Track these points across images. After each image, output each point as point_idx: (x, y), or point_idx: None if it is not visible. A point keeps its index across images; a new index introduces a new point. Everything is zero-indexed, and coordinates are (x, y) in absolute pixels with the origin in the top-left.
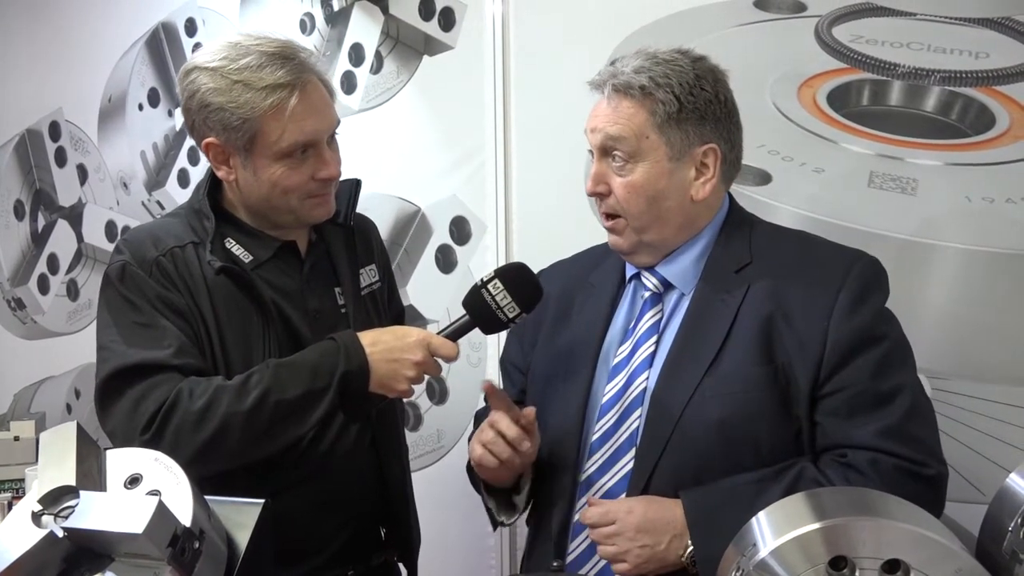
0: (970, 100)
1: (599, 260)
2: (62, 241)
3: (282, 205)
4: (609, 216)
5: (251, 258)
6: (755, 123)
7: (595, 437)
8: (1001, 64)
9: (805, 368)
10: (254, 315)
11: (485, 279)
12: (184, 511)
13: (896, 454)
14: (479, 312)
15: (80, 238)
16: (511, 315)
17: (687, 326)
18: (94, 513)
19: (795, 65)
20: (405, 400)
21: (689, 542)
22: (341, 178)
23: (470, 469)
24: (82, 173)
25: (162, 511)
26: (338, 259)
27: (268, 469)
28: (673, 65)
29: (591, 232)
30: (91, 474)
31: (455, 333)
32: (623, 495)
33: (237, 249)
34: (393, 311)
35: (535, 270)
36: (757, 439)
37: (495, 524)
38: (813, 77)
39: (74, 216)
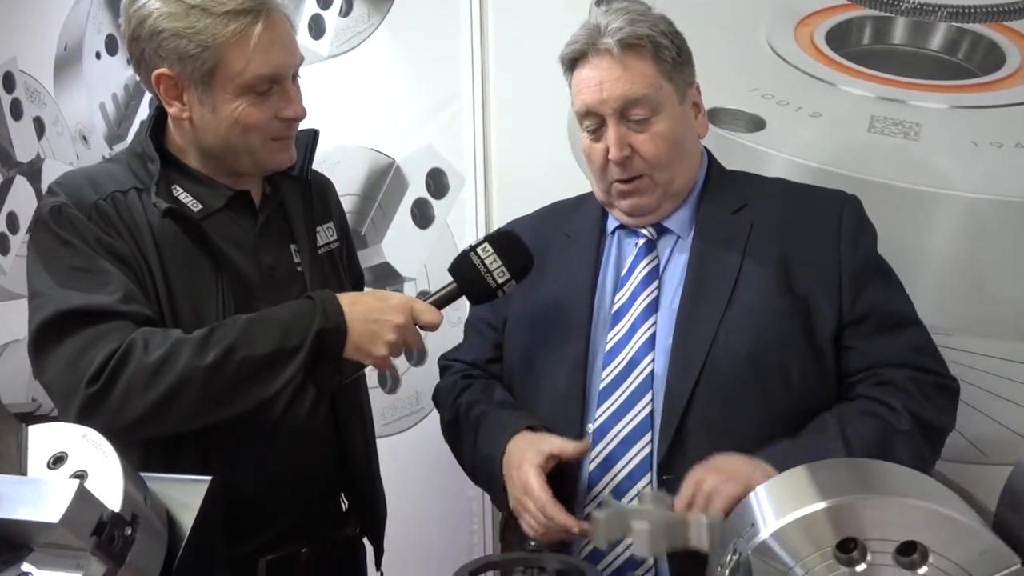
0: (978, 37)
1: (568, 214)
2: (21, 198)
3: (241, 146)
4: (631, 179)
5: (200, 207)
6: (748, 65)
7: (603, 385)
8: None
9: (827, 297)
10: (205, 266)
11: (473, 244)
12: (113, 494)
13: (930, 370)
14: (466, 277)
15: (40, 195)
16: (500, 280)
17: (696, 266)
18: (6, 499)
19: (791, 1)
20: None
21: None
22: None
23: (477, 474)
24: (39, 126)
25: (83, 496)
26: (293, 214)
27: (217, 435)
28: (652, 15)
29: (575, 181)
30: (8, 453)
31: (440, 300)
32: (643, 439)
33: (185, 197)
34: (352, 276)
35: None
36: (786, 368)
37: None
38: (811, 15)
39: (33, 172)
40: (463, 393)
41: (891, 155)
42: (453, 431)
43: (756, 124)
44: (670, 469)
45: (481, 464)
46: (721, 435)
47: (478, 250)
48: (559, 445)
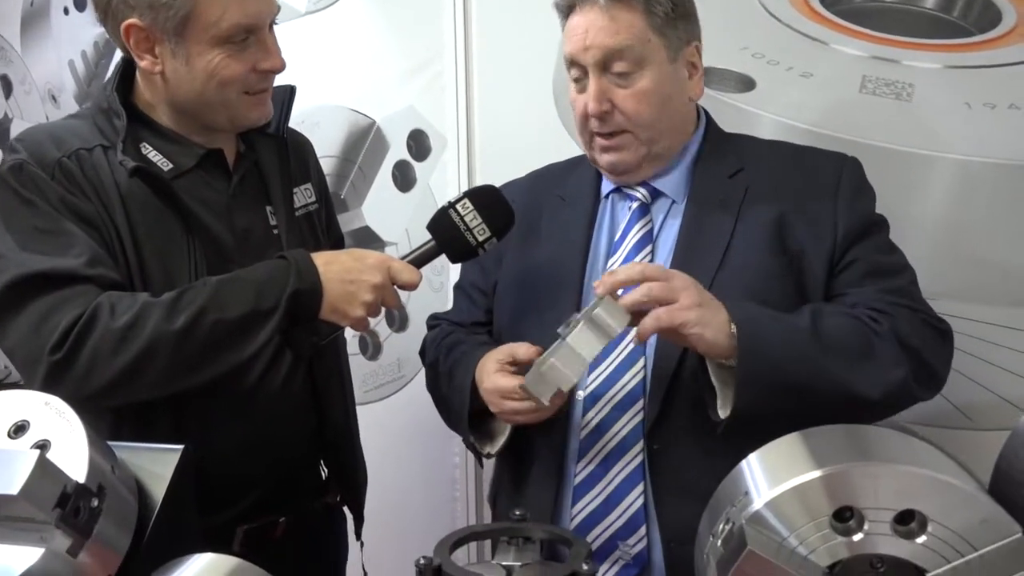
0: None
1: (563, 175)
2: None
3: (217, 101)
4: (612, 134)
5: (171, 166)
6: (738, 23)
7: None
8: None
9: (819, 256)
10: (176, 228)
11: (453, 200)
12: (78, 465)
13: (918, 309)
14: (446, 235)
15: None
16: (481, 238)
17: (688, 229)
18: None
19: None
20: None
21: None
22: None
23: (447, 405)
24: (6, 85)
25: (45, 467)
26: (270, 174)
27: (191, 402)
28: None
29: (560, 143)
30: None
31: (418, 259)
32: (635, 405)
33: (154, 155)
34: (331, 239)
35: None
36: None
37: (480, 458)
38: None
39: (0, 132)
40: (448, 337)
41: (883, 116)
42: (433, 373)
43: (746, 84)
44: (660, 435)
45: (452, 396)
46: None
47: (457, 207)
48: (511, 348)
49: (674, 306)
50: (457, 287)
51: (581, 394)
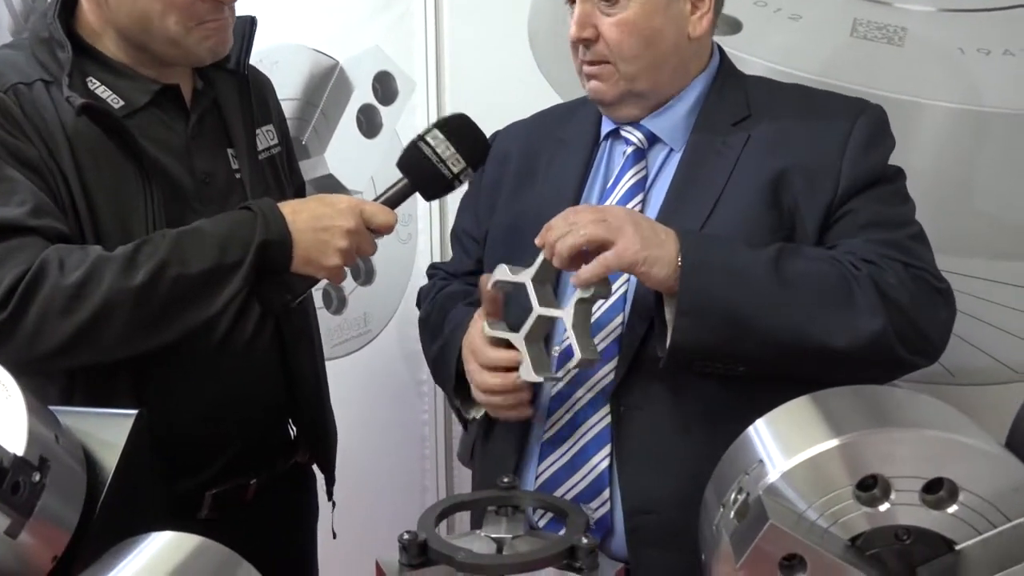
0: None
1: (567, 116)
2: None
3: (160, 31)
4: (594, 63)
5: (122, 103)
6: None
7: None
8: None
9: (813, 211)
10: (130, 172)
11: (422, 132)
12: (16, 436)
13: (912, 264)
14: (418, 170)
15: None
16: (456, 169)
17: (681, 177)
18: None
19: None
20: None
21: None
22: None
23: (436, 364)
24: None
25: None
26: (230, 113)
27: (151, 362)
28: None
29: (535, 89)
30: None
31: (391, 200)
32: (614, 360)
33: (103, 91)
34: (294, 186)
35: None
36: None
37: (464, 422)
38: None
39: None
40: (442, 291)
41: (874, 61)
42: (424, 328)
43: (731, 26)
44: (628, 398)
45: (440, 356)
46: None
47: (427, 138)
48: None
49: (618, 247)
50: (452, 234)
51: (557, 349)
